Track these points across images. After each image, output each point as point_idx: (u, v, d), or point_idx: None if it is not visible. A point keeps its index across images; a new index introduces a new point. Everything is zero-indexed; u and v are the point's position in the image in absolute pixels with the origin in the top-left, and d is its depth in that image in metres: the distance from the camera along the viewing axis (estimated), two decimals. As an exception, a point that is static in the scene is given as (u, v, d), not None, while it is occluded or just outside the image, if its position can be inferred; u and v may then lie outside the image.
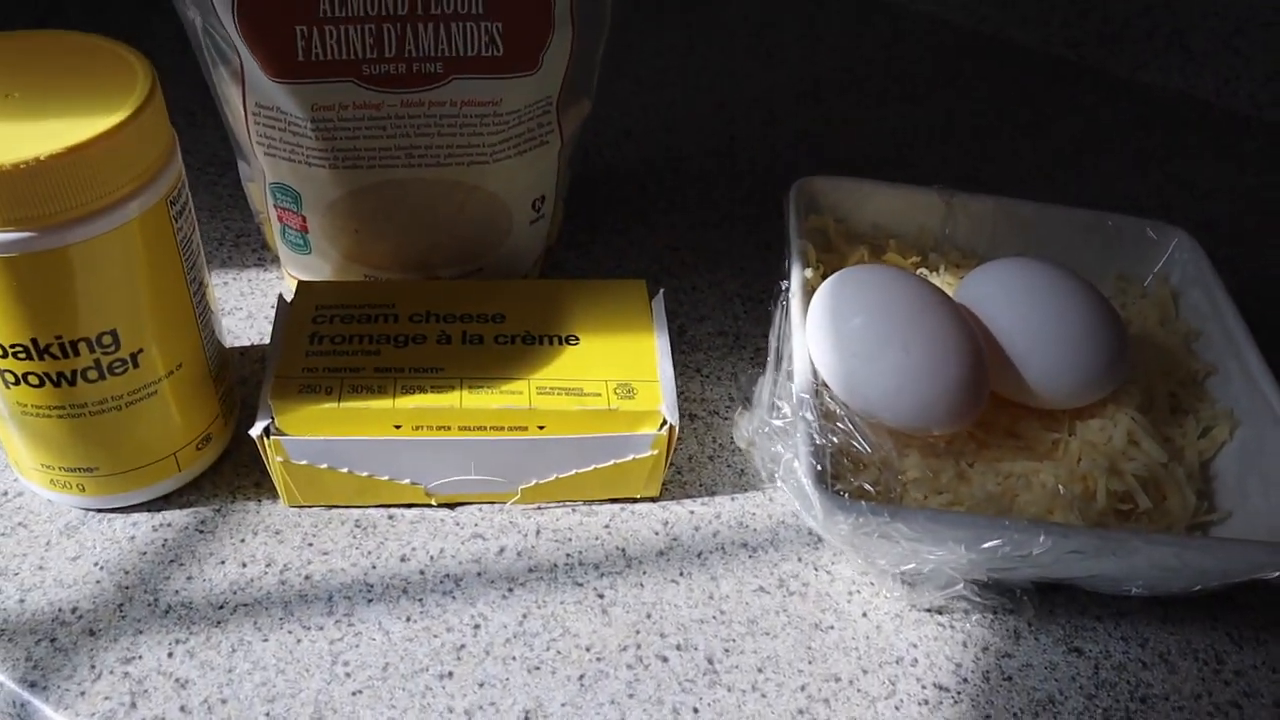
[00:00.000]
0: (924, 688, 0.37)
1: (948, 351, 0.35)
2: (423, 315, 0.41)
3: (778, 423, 0.35)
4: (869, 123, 0.66)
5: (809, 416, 0.34)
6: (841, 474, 0.35)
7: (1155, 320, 0.45)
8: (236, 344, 0.46)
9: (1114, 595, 0.39)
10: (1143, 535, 0.34)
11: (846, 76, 0.70)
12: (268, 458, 0.37)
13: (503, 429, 0.38)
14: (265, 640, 0.35)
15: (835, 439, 0.35)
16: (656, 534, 0.40)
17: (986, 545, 0.33)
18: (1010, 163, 0.64)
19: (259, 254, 0.50)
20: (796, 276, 0.40)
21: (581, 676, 0.36)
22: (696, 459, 0.43)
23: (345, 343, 0.39)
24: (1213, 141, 0.69)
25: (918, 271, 0.45)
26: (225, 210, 0.53)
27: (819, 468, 0.33)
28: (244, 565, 0.38)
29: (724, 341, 0.48)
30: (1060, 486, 0.36)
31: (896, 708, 0.36)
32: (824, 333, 0.36)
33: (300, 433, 0.37)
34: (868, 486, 0.35)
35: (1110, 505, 0.37)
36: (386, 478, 0.39)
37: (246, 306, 0.48)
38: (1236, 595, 0.41)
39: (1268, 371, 0.41)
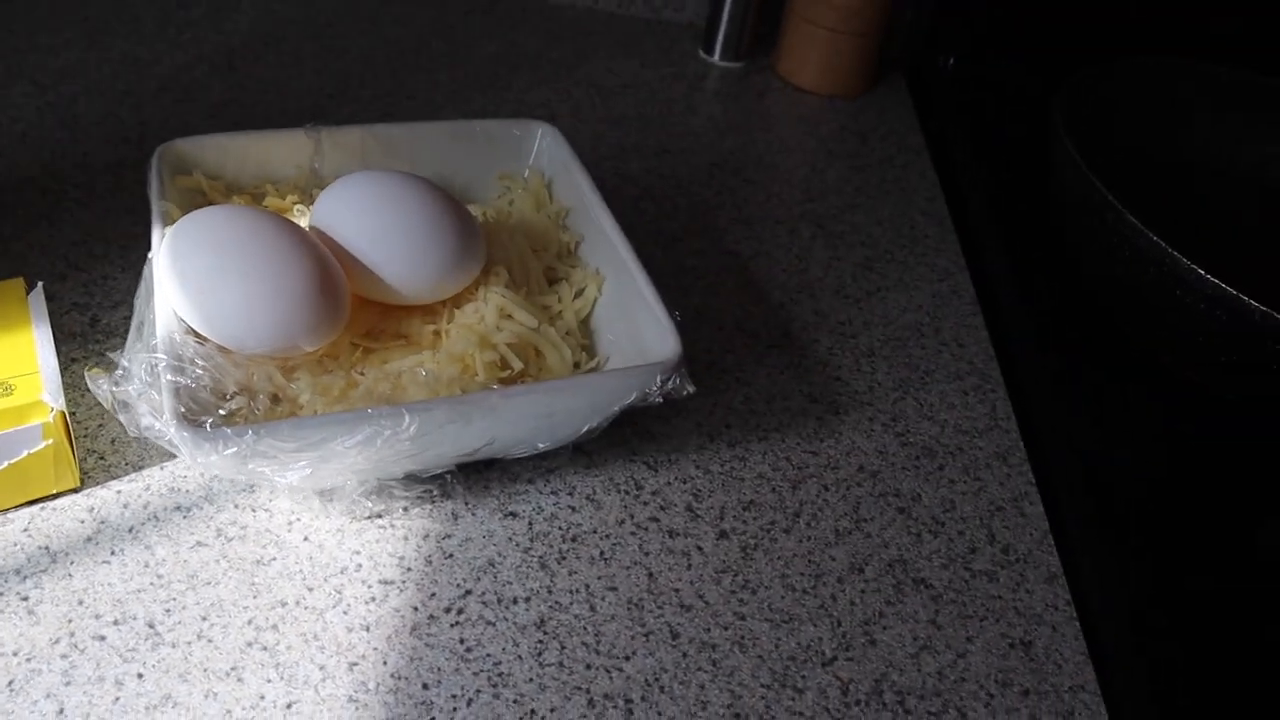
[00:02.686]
0: (369, 587, 0.39)
1: (288, 270, 0.37)
2: None
3: (132, 374, 0.36)
4: (288, 82, 0.67)
5: (164, 361, 0.35)
6: (210, 411, 0.36)
7: (532, 206, 0.50)
8: None
9: (539, 456, 0.44)
10: (499, 392, 0.38)
11: (263, 41, 0.71)
12: None
13: None
14: None
15: (193, 379, 0.36)
16: (82, 522, 0.40)
17: (358, 437, 0.35)
18: (429, 94, 0.68)
19: None
20: (157, 237, 0.41)
21: (10, 682, 0.35)
22: (120, 441, 0.43)
23: None
24: (619, 45, 0.77)
25: (295, 207, 0.46)
26: None
27: (180, 409, 0.34)
28: None
29: (139, 321, 0.48)
30: (424, 369, 0.39)
31: (345, 612, 0.38)
32: (173, 280, 0.37)
33: None
34: (223, 413, 0.36)
35: (492, 376, 0.41)
36: None
37: None
38: (652, 426, 0.47)
39: (619, 230, 0.46)
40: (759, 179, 0.66)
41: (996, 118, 0.75)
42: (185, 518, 0.40)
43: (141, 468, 0.42)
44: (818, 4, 0.73)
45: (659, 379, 0.40)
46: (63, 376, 0.41)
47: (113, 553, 0.39)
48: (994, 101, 0.76)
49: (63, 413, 0.38)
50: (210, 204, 0.46)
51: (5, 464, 0.38)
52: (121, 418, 0.37)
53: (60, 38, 0.67)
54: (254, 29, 0.72)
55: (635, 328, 0.43)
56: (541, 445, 0.41)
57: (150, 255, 0.41)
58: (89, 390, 0.44)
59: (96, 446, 0.42)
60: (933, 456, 0.49)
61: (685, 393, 0.41)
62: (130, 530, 0.40)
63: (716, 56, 0.77)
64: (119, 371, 0.37)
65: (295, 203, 0.47)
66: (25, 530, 0.39)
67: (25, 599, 0.37)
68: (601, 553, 0.42)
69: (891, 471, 0.48)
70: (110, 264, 0.51)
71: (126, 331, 0.47)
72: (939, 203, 0.67)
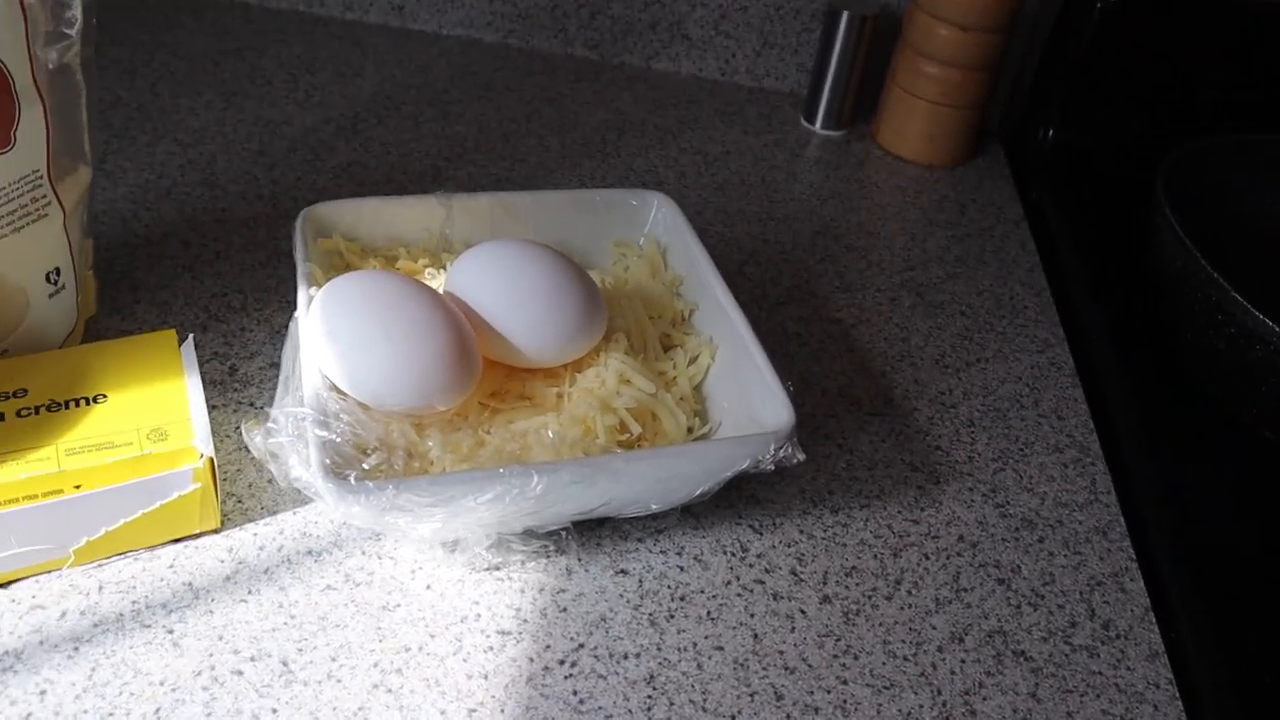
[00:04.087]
0: (488, 636, 0.41)
1: (427, 332, 0.40)
2: (-63, 406, 0.41)
3: (282, 426, 0.38)
4: (407, 144, 0.70)
5: (311, 415, 0.37)
6: (353, 464, 0.38)
7: (648, 273, 0.52)
8: None
9: (649, 516, 0.45)
10: (621, 455, 0.40)
11: (385, 106, 0.74)
12: None
13: (36, 496, 0.39)
14: None
15: (339, 433, 0.38)
16: (222, 562, 0.42)
17: (489, 495, 0.37)
18: (541, 159, 0.70)
19: None
20: (302, 296, 0.43)
21: (158, 710, 0.37)
22: (256, 486, 0.45)
23: None
24: (720, 113, 0.79)
25: (425, 271, 0.49)
26: None
27: (326, 461, 0.37)
28: None
29: (276, 373, 0.51)
30: (552, 430, 0.41)
31: (465, 659, 0.40)
32: (320, 338, 0.40)
33: None
34: (368, 466, 0.38)
35: (612, 439, 0.43)
36: (-79, 573, 0.38)
37: None
38: (757, 491, 0.49)
39: (732, 300, 0.48)
40: (860, 246, 0.67)
41: (1095, 190, 0.75)
42: (316, 562, 0.43)
43: (275, 512, 0.44)
44: (918, 76, 0.75)
45: (772, 447, 0.41)
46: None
47: (250, 592, 0.41)
48: (1092, 174, 0.77)
49: (211, 459, 0.41)
50: (348, 265, 0.49)
51: (158, 504, 0.41)
52: (272, 467, 0.39)
53: (200, 100, 0.72)
54: (375, 94, 0.75)
55: (747, 395, 0.45)
56: (654, 506, 0.43)
57: (296, 314, 0.43)
58: (228, 436, 0.47)
59: (234, 490, 0.45)
60: (1032, 529, 0.50)
61: (796, 461, 0.43)
62: (265, 571, 0.42)
63: (818, 125, 0.79)
64: (270, 424, 0.39)
65: (426, 265, 0.49)
66: (170, 566, 0.42)
67: (171, 631, 0.40)
68: (709, 612, 0.43)
69: (991, 542, 0.49)
70: (247, 316, 0.54)
71: (263, 381, 0.50)
72: (1038, 274, 0.68)
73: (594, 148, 0.73)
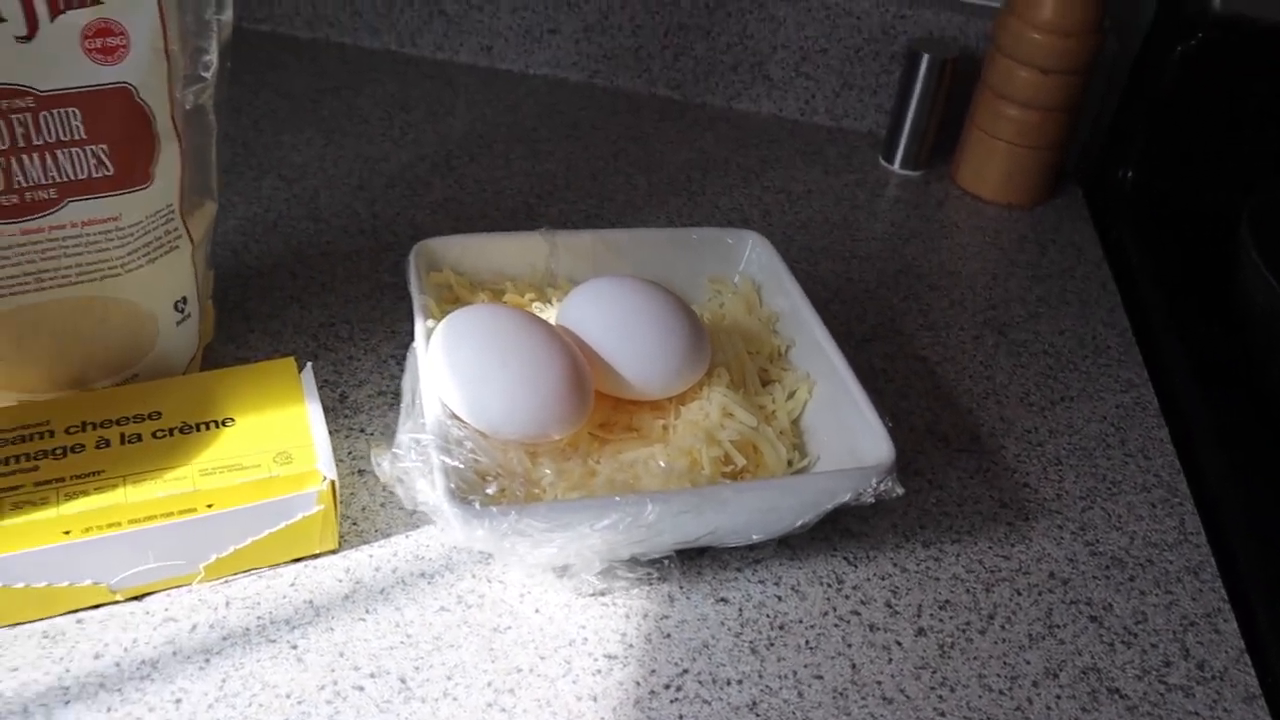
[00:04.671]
0: (595, 659, 0.42)
1: (545, 365, 0.42)
2: (79, 426, 0.43)
3: (407, 452, 0.40)
4: (499, 181, 0.72)
5: (435, 441, 0.39)
6: (474, 489, 0.40)
7: (744, 310, 0.53)
8: (-109, 493, 0.46)
9: (748, 546, 0.47)
10: (730, 486, 0.41)
11: (477, 143, 0.77)
12: (-64, 590, 0.39)
13: (172, 514, 0.41)
14: (-40, 763, 0.36)
15: (462, 460, 0.40)
16: (340, 581, 0.44)
17: (606, 522, 0.39)
18: (629, 196, 0.72)
19: (-96, 401, 0.50)
20: (420, 328, 0.45)
21: (284, 722, 0.39)
22: (370, 509, 0.47)
23: (1, 466, 0.41)
24: (800, 153, 0.81)
25: (532, 305, 0.51)
26: None
27: (451, 486, 0.38)
28: (-72, 700, 0.38)
29: (384, 401, 0.53)
30: (662, 461, 0.43)
31: (574, 681, 0.41)
32: (441, 369, 0.42)
33: (-36, 558, 0.38)
34: (490, 492, 0.40)
35: (716, 470, 0.44)
36: (66, 584, 0.40)
37: (-102, 454, 0.48)
38: (851, 525, 0.50)
39: (829, 336, 0.50)
40: (942, 285, 0.68)
41: (1176, 229, 0.76)
42: (429, 584, 0.44)
43: (389, 535, 0.46)
44: (997, 118, 0.76)
45: (874, 481, 0.42)
46: (327, 447, 0.46)
47: (367, 611, 0.43)
48: (1173, 213, 0.77)
49: (333, 482, 0.42)
50: (457, 298, 0.51)
51: (283, 524, 0.43)
52: (399, 491, 0.41)
53: (301, 136, 0.75)
54: (467, 132, 0.78)
55: (845, 430, 0.46)
56: (756, 537, 0.44)
57: (414, 345, 0.45)
58: (341, 460, 0.49)
59: (349, 513, 0.47)
60: (1123, 567, 0.50)
61: (896, 495, 0.44)
62: (381, 591, 0.44)
63: (896, 165, 0.80)
64: (396, 450, 0.41)
65: (533, 300, 0.51)
66: (292, 584, 0.44)
67: (294, 647, 0.41)
68: (807, 641, 0.44)
69: (1082, 580, 0.49)
70: (355, 345, 0.56)
71: (372, 408, 0.52)
72: (1120, 314, 0.69)
73: (680, 186, 0.75)
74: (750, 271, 0.55)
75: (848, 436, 0.46)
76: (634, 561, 0.44)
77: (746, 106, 0.86)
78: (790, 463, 0.47)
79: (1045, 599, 0.48)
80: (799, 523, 0.44)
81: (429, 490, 0.39)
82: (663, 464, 0.43)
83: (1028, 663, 0.45)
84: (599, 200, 0.72)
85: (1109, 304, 0.69)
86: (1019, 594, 0.48)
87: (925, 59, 0.76)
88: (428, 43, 0.88)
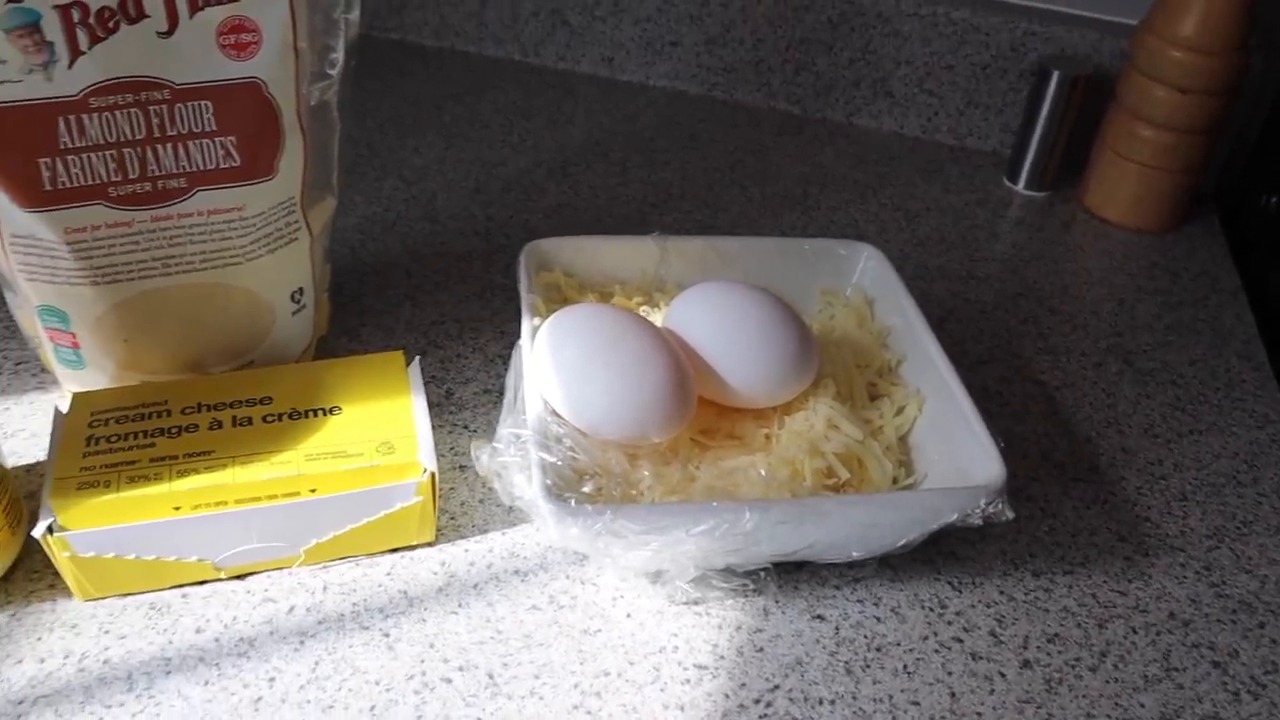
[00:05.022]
0: (685, 669, 0.42)
1: (649, 366, 0.41)
2: (194, 407, 0.44)
3: (506, 447, 0.40)
4: (614, 189, 0.73)
5: (535, 438, 0.39)
6: (571, 487, 0.40)
7: (854, 323, 0.52)
8: (21, 463, 0.48)
9: (847, 564, 0.45)
10: (832, 499, 0.40)
11: (594, 151, 0.77)
12: (54, 556, 0.40)
13: (276, 496, 0.42)
14: (65, 724, 0.38)
15: (560, 457, 0.39)
16: (435, 574, 0.44)
17: (702, 527, 0.38)
18: (743, 208, 0.72)
19: (39, 377, 0.53)
20: (526, 326, 0.45)
21: (373, 707, 0.39)
22: (469, 504, 0.47)
23: (120, 441, 0.42)
24: (920, 170, 0.79)
25: (640, 308, 0.51)
26: (2, 341, 0.55)
27: (547, 482, 0.38)
28: (41, 661, 0.40)
29: (489, 399, 0.53)
30: (763, 470, 0.42)
31: (662, 689, 0.41)
32: (545, 365, 0.42)
33: (82, 526, 0.40)
34: (586, 491, 0.40)
35: (818, 482, 0.43)
36: (174, 558, 0.41)
37: (30, 427, 0.50)
38: (957, 549, 0.48)
39: (942, 353, 0.48)
40: (1064, 309, 0.66)
41: (1322, 263, 0.71)
42: (523, 581, 0.44)
43: (486, 531, 0.46)
44: (1131, 139, 0.73)
45: (982, 502, 0.40)
46: (430, 440, 0.47)
47: (460, 605, 0.43)
48: (1319, 246, 0.73)
49: (433, 474, 0.43)
50: (565, 299, 0.51)
51: (382, 513, 0.43)
52: (496, 485, 0.41)
53: (423, 140, 0.76)
54: (585, 139, 0.79)
55: (954, 449, 0.44)
56: (856, 554, 0.43)
57: (520, 342, 0.45)
58: (443, 455, 0.49)
59: (447, 507, 0.47)
60: (1252, 612, 0.47)
61: (1005, 518, 0.42)
62: (475, 586, 0.44)
63: (1021, 185, 0.78)
64: (495, 444, 0.41)
65: (641, 303, 0.51)
66: (388, 574, 0.44)
67: (386, 635, 0.42)
68: (905, 666, 0.43)
69: (1205, 623, 0.46)
70: (463, 344, 0.57)
71: (477, 405, 0.53)
72: (1256, 346, 0.65)
73: (795, 199, 0.74)
74: (863, 284, 0.54)
75: (957, 456, 0.44)
76: (729, 571, 0.43)
77: (867, 122, 0.84)
78: (895, 479, 0.45)
79: (1164, 640, 0.45)
80: (901, 541, 0.42)
81: (525, 486, 0.39)
82: (763, 473, 0.42)
83: (1142, 705, 0.42)
84: (713, 210, 0.71)
85: (1244, 335, 0.66)
86: (1135, 632, 0.45)
87: (1055, 76, 0.74)
88: (550, 53, 0.89)
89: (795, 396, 0.45)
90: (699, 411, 0.45)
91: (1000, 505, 0.41)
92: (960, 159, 0.81)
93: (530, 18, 0.87)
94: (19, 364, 0.54)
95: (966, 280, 0.67)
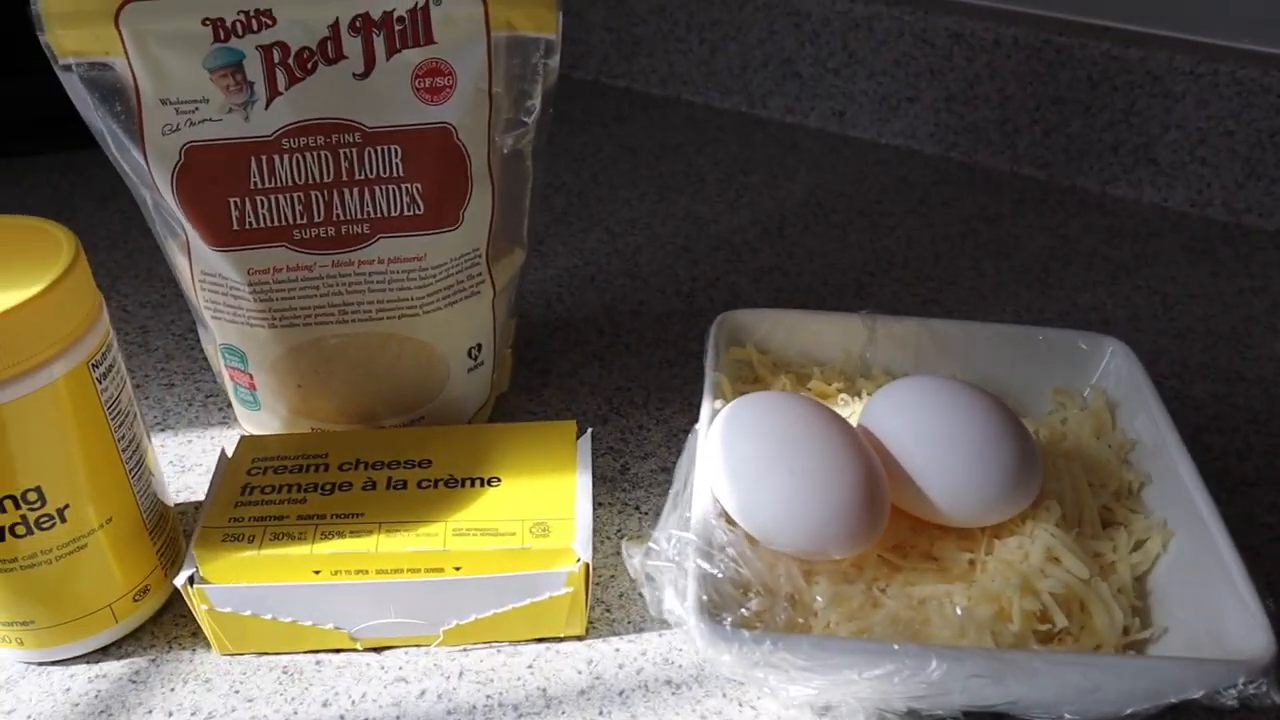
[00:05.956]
0: (847, 823, 0.36)
1: (836, 471, 0.36)
2: (352, 463, 0.42)
3: (664, 549, 0.35)
4: (833, 254, 0.67)
5: (695, 543, 0.34)
6: (731, 605, 0.35)
7: (1092, 432, 0.44)
8: (193, 499, 0.48)
9: None
10: (1042, 655, 0.33)
11: (814, 211, 0.72)
12: (194, 607, 0.39)
13: (419, 571, 0.39)
14: (178, 793, 0.36)
15: (722, 569, 0.35)
16: (580, 673, 0.40)
17: (878, 671, 0.32)
18: (973, 284, 0.65)
19: (224, 413, 0.53)
20: (706, 408, 0.41)
21: (493, 822, 0.35)
22: (628, 596, 0.43)
23: (275, 492, 0.41)
24: (1185, 249, 0.69)
25: (839, 396, 0.45)
26: (199, 373, 0.55)
27: (703, 597, 0.33)
28: (170, 714, 0.38)
29: (666, 477, 0.49)
30: (958, 608, 0.35)
31: (818, 845, 0.35)
32: (718, 459, 0.37)
33: (222, 580, 0.38)
34: (745, 612, 0.34)
35: (1028, 627, 0.36)
36: (310, 623, 0.39)
37: (207, 463, 0.50)
38: (1199, 715, 0.40)
39: (1197, 476, 0.40)
40: (1360, 427, 0.55)
41: None
42: (674, 694, 0.39)
43: (641, 630, 0.42)
44: None
45: (1241, 680, 0.33)
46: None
47: (601, 712, 0.39)
48: None
49: (587, 565, 0.39)
50: (757, 378, 0.47)
51: (528, 601, 0.39)
52: (645, 592, 0.37)
53: (635, 192, 0.73)
54: (806, 198, 0.74)
55: (1207, 601, 0.36)
56: (1069, 716, 0.36)
57: (697, 427, 0.41)
58: (608, 538, 0.46)
59: (604, 597, 0.43)
60: None
61: (1271, 702, 0.34)
62: (620, 694, 0.39)
63: (1311, 275, 0.67)
64: (651, 545, 0.37)
65: (840, 390, 0.45)
66: (529, 666, 0.40)
67: (519, 739, 0.38)
68: None
69: None
70: (647, 414, 0.53)
71: (652, 484, 0.48)
72: None
73: (1034, 276, 0.66)
74: (1105, 385, 0.46)
75: (1210, 611, 0.36)
76: (912, 714, 0.37)
77: (1124, 192, 0.75)
78: (1127, 630, 0.37)
79: None
80: (1128, 711, 0.35)
81: (678, 598, 0.34)
82: (960, 609, 0.35)
83: None
84: (938, 284, 0.65)
85: None
86: None
87: (1365, 152, 0.63)
88: (778, 105, 0.84)
89: (1009, 518, 0.39)
90: (892, 524, 0.39)
91: (1267, 686, 0.33)
92: (1236, 238, 0.71)
93: (760, 67, 0.83)
94: (209, 396, 0.54)
95: (1235, 382, 0.58)
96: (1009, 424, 0.39)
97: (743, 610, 0.34)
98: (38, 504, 0.36)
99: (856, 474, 0.36)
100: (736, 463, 0.37)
